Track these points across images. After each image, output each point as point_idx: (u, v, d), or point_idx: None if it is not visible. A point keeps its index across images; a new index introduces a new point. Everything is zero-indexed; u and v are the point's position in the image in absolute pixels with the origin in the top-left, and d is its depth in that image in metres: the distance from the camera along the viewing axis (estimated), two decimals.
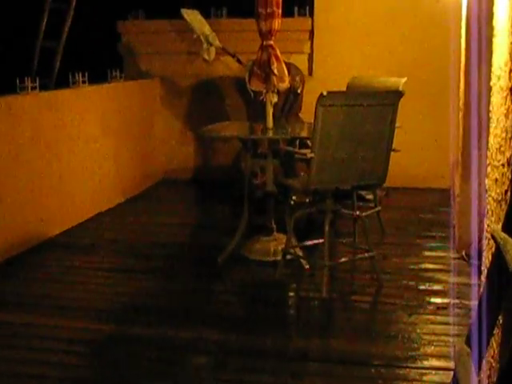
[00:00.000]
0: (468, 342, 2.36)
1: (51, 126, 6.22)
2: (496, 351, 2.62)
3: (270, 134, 5.53)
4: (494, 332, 2.55)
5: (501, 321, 2.45)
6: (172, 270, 5.48)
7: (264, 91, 5.59)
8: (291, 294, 5.24)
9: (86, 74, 6.94)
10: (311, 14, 8.27)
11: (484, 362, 2.27)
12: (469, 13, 5.46)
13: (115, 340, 4.20)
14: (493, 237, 2.28)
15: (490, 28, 3.30)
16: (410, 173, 7.96)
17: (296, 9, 8.29)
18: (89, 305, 4.73)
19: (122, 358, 3.96)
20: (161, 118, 8.66)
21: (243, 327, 4.38)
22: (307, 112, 6.47)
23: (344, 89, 6.23)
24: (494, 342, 2.63)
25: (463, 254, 5.50)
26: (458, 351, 2.39)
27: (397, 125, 4.81)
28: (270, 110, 5.53)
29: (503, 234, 2.23)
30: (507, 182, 2.57)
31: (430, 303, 4.71)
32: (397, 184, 7.52)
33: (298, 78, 7.61)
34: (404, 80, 5.94)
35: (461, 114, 5.74)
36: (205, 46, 7.13)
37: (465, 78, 5.52)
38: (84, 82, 6.92)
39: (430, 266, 5.45)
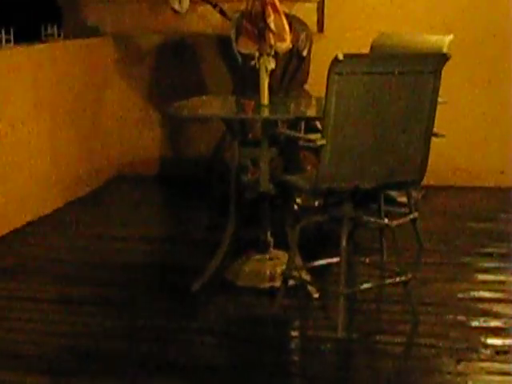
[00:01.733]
0: None
1: None
2: None
3: (266, 112, 5.52)
4: None
5: None
6: (130, 301, 5.47)
7: (257, 54, 5.58)
8: (295, 333, 5.25)
9: (11, 31, 6.92)
10: None
11: None
12: None
13: None
14: None
15: None
16: (458, 166, 7.99)
17: None
18: (14, 349, 4.70)
19: None
20: (114, 91, 8.65)
21: (229, 379, 4.37)
22: (316, 83, 6.46)
23: (367, 50, 6.24)
24: None
25: None
26: None
27: (440, 100, 4.82)
28: (265, 80, 5.52)
29: None
30: None
31: (485, 345, 4.70)
32: (439, 182, 7.55)
33: (303, 36, 7.62)
34: (450, 38, 5.95)
35: None
36: None
37: None
38: (8, 40, 6.91)
39: (486, 295, 5.46)
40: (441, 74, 4.72)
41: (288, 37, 5.72)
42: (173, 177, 8.48)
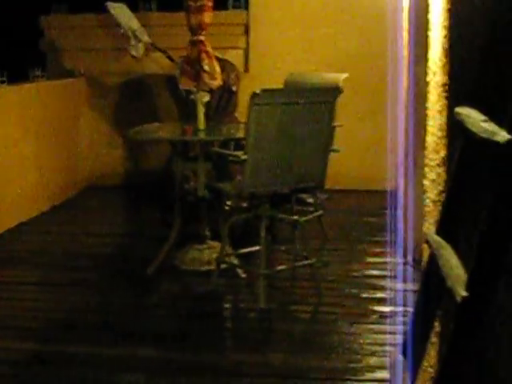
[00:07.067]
0: (404, 351, 2.40)
1: None
2: (434, 360, 2.68)
3: (202, 135, 5.54)
4: (433, 341, 2.61)
5: (437, 329, 2.50)
6: (100, 282, 5.46)
7: (194, 90, 5.60)
8: (227, 305, 5.26)
9: (5, 73, 6.87)
10: (246, 7, 8.32)
11: (420, 370, 2.32)
12: (409, 4, 5.56)
13: (42, 360, 4.15)
14: (427, 241, 2.33)
15: (426, 21, 3.38)
16: (353, 174, 8.05)
17: (230, 1, 8.33)
18: (11, 322, 4.67)
19: (50, 380, 3.92)
20: (87, 119, 8.59)
21: (177, 343, 4.38)
22: (244, 111, 6.49)
23: (282, 86, 6.28)
24: (433, 351, 2.69)
25: (409, 259, 5.58)
26: (393, 361, 2.43)
27: (337, 123, 4.87)
28: (200, 110, 5.54)
29: (437, 238, 2.28)
30: (442, 183, 2.64)
31: (373, 312, 4.76)
32: (339, 186, 7.60)
33: (233, 75, 7.64)
34: (344, 76, 5.99)
35: (406, 111, 5.83)
36: (132, 41, 7.12)
37: (407, 74, 5.62)
38: (3, 81, 6.85)
39: (374, 273, 5.52)
40: (335, 104, 4.78)
41: (219, 76, 5.76)
42: (134, 185, 8.43)
